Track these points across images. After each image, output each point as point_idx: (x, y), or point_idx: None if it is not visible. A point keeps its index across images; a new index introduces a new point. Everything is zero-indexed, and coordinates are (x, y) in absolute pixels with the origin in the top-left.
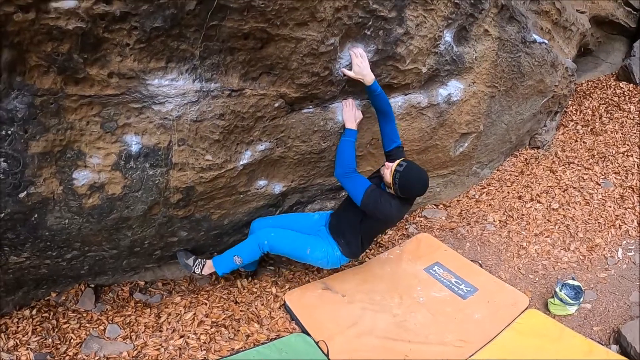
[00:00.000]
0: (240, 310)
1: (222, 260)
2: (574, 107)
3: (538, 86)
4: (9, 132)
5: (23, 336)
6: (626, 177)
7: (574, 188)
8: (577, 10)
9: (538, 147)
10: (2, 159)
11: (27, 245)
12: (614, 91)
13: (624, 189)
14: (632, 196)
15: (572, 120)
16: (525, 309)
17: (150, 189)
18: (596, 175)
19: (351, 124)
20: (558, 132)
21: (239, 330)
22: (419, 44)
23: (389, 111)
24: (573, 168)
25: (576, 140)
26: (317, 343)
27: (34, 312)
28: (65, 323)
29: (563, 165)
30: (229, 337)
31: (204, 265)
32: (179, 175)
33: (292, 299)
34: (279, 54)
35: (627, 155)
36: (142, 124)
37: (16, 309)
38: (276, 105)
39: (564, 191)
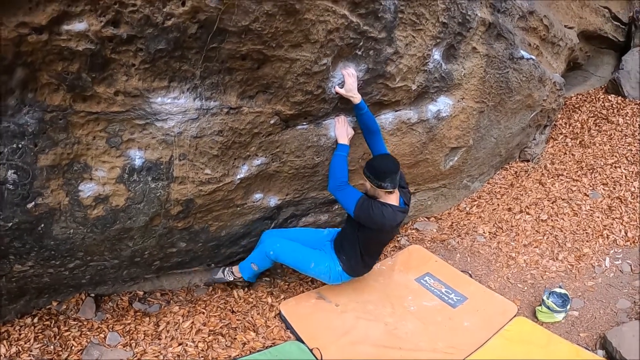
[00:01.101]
0: (237, 319)
1: (244, 266)
2: (564, 120)
3: (526, 101)
4: (20, 145)
5: (25, 343)
6: (614, 188)
7: (563, 199)
8: (565, 26)
9: (528, 160)
10: (12, 171)
11: (32, 254)
12: (602, 104)
13: (611, 200)
14: (620, 206)
15: (561, 134)
16: (514, 316)
17: (152, 201)
18: (584, 186)
19: (343, 139)
20: (548, 145)
21: (235, 339)
22: (409, 63)
23: (377, 128)
24: (562, 180)
25: (565, 153)
26: (311, 350)
27: (35, 320)
28: (66, 331)
29: (552, 177)
30: (225, 345)
31: (232, 272)
32: (180, 188)
33: (287, 308)
34: (275, 74)
35: (615, 167)
36: (146, 140)
37: (18, 317)
38: (272, 122)
39: (552, 203)
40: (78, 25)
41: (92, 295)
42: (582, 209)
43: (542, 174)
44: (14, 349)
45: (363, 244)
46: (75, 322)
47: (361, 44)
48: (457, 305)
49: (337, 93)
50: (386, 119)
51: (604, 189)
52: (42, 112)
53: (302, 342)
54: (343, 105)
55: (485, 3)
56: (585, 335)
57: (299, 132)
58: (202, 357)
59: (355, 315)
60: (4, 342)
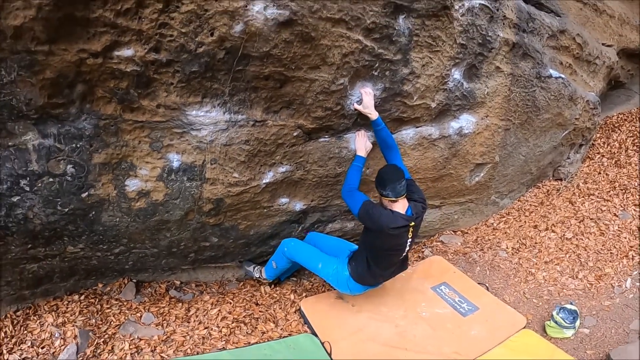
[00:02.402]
0: (260, 311)
1: (267, 265)
2: (602, 139)
3: (556, 119)
4: (78, 145)
5: (71, 315)
6: None
7: (591, 219)
8: (603, 44)
9: (561, 179)
10: (71, 165)
11: (83, 237)
12: None
13: None
14: None
15: (598, 153)
16: (522, 329)
17: (186, 198)
18: (615, 206)
19: (361, 152)
20: (583, 165)
21: (256, 328)
22: (426, 82)
23: (392, 144)
24: (592, 199)
25: (599, 173)
26: (322, 343)
27: (82, 297)
28: (107, 308)
29: (583, 196)
30: (246, 332)
31: (260, 270)
32: (211, 188)
33: (306, 305)
34: (296, 92)
35: None
36: (182, 145)
37: (67, 294)
38: (295, 134)
39: (580, 222)
40: (126, 52)
41: (134, 280)
42: (609, 229)
43: (574, 193)
44: (60, 319)
45: (369, 249)
46: (117, 302)
47: (377, 65)
48: (468, 315)
49: (355, 109)
50: (407, 134)
51: (635, 210)
52: (97, 119)
53: (316, 335)
54: (363, 121)
55: (509, 24)
56: (592, 352)
57: (321, 144)
58: (224, 340)
59: (369, 315)
60: (53, 313)
